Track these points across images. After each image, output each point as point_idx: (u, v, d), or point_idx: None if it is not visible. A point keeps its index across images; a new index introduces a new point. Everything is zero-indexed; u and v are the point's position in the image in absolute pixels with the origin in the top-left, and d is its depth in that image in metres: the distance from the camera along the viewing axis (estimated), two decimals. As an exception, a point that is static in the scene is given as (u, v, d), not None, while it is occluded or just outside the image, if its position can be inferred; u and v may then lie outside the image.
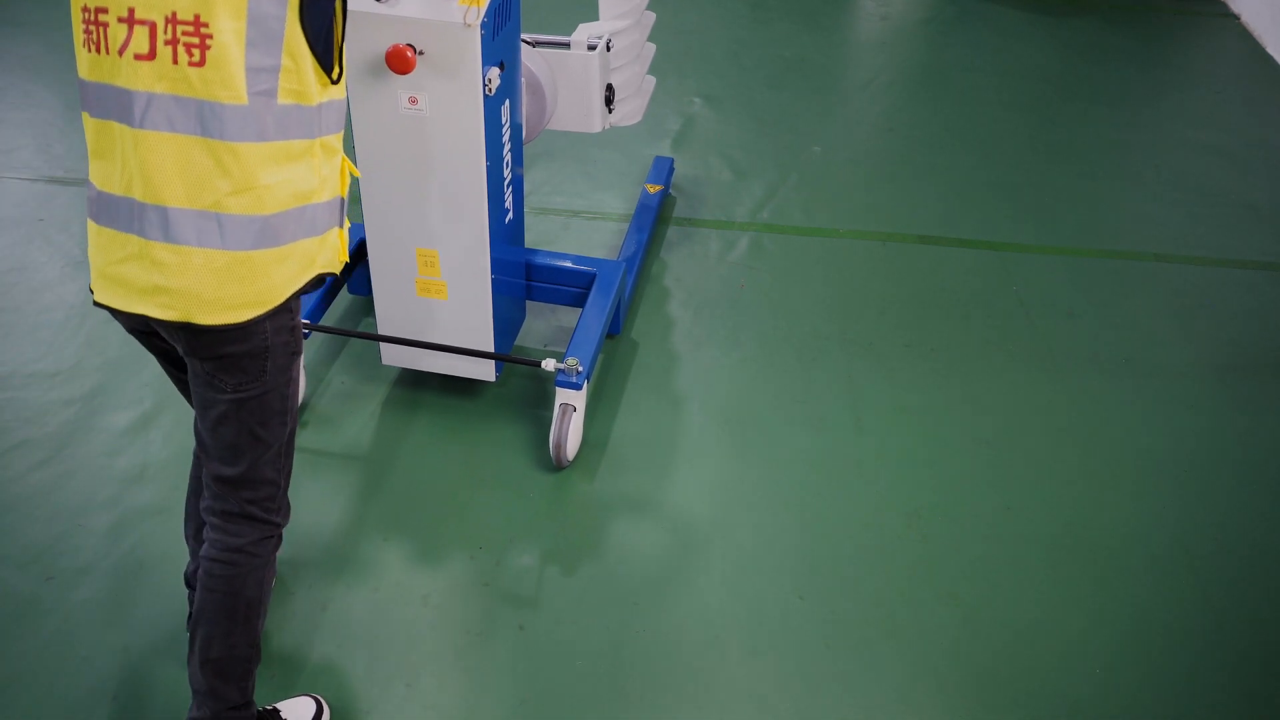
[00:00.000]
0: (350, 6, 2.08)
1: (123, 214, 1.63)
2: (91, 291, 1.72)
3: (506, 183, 2.48)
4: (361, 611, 2.26)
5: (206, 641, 1.84)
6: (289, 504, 1.90)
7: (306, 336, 2.68)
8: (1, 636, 2.18)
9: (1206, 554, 2.48)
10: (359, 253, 2.87)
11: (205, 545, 1.85)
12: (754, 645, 2.24)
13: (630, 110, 2.96)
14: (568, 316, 3.04)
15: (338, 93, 1.70)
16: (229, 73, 1.55)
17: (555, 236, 3.43)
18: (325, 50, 1.63)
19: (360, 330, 2.93)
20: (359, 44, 2.17)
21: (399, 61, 2.12)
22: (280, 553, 2.31)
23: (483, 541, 2.42)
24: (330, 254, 1.76)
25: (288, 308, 1.71)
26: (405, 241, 2.45)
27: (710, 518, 2.51)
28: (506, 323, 2.70)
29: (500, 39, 2.26)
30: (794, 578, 2.38)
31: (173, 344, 1.73)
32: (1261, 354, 3.10)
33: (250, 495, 1.81)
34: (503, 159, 2.42)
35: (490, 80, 2.20)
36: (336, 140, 1.73)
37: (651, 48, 3.10)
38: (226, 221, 1.61)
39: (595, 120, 2.76)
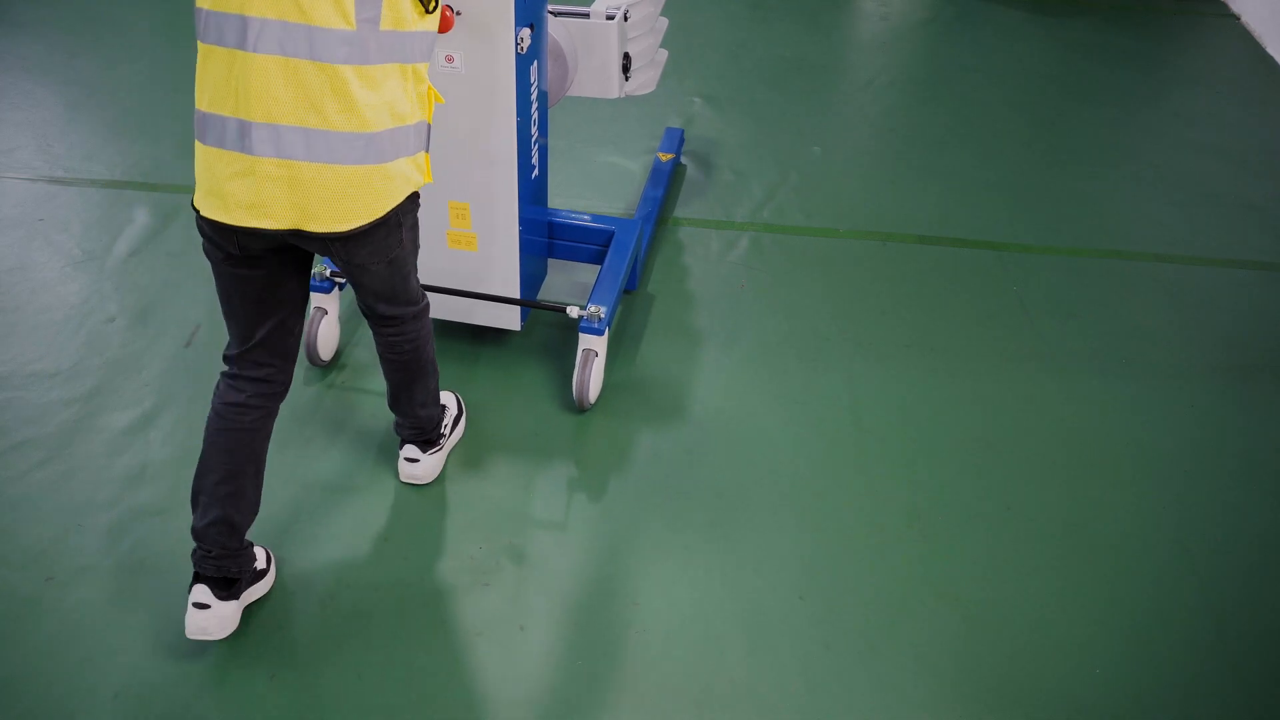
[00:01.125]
0: None
1: (231, 133, 1.79)
2: (195, 210, 1.88)
3: (534, 140, 2.60)
4: (361, 611, 2.26)
5: (410, 398, 2.39)
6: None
7: (335, 288, 2.84)
8: (1, 636, 2.18)
9: (1207, 554, 2.48)
10: None
11: (382, 346, 2.29)
12: (754, 645, 2.24)
13: (645, 80, 3.09)
14: (586, 274, 3.14)
15: (430, 24, 1.89)
16: (339, 2, 1.72)
17: (555, 236, 3.43)
18: None
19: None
20: None
21: (441, 21, 2.18)
22: (280, 552, 2.33)
23: (483, 541, 2.42)
24: (421, 175, 1.98)
25: (413, 199, 1.98)
26: (438, 194, 2.57)
27: (710, 517, 2.51)
28: (531, 277, 2.83)
29: (530, 1, 2.39)
30: (794, 578, 2.38)
31: (306, 248, 1.95)
32: (1261, 354, 3.10)
33: (407, 301, 2.21)
34: (531, 117, 2.55)
35: (522, 40, 2.34)
36: (424, 69, 1.92)
37: (664, 21, 3.25)
38: (334, 138, 1.79)
39: (614, 87, 2.90)
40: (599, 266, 2.96)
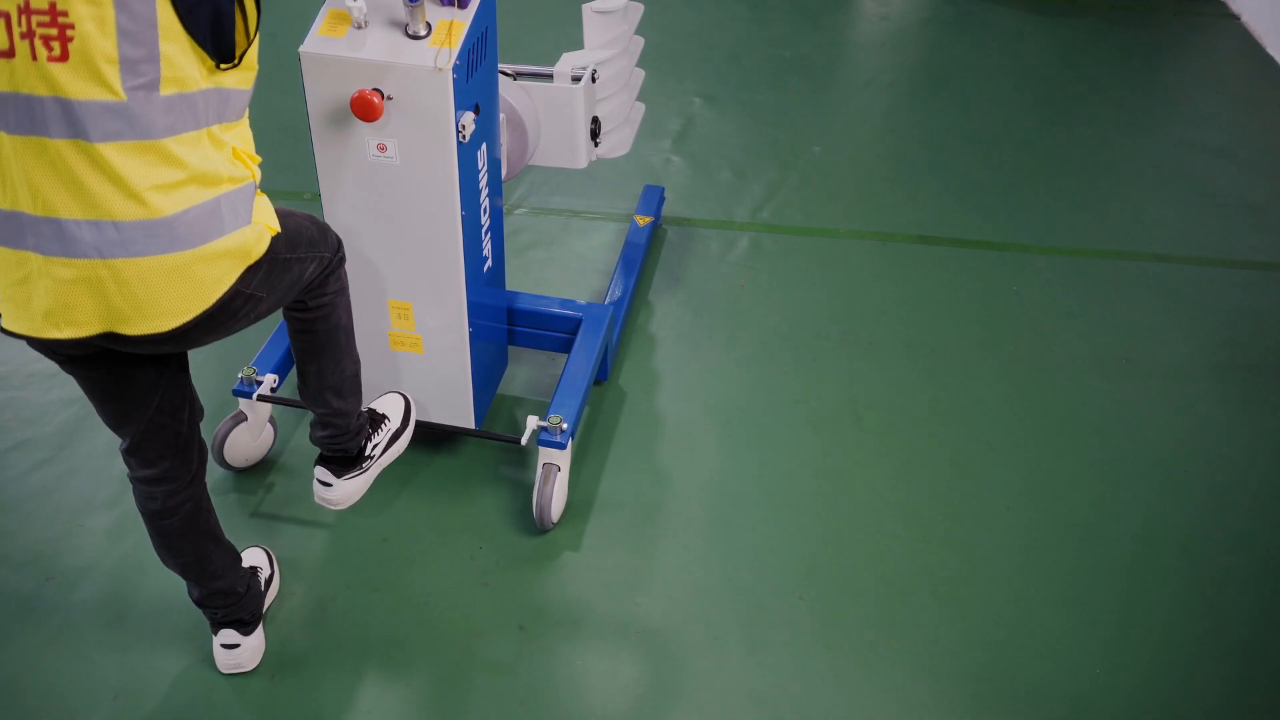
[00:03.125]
0: (313, 50, 1.98)
1: (15, 229, 1.49)
2: None
3: (485, 229, 2.34)
4: (361, 612, 2.26)
5: (319, 375, 2.00)
6: (326, 226, 1.91)
7: (259, 399, 2.47)
8: (1, 636, 2.18)
9: (1206, 553, 2.48)
10: None
11: (296, 318, 1.92)
12: (754, 645, 2.24)
13: (618, 141, 2.83)
14: (552, 358, 2.91)
15: (230, 82, 1.55)
16: (98, 67, 1.38)
17: (555, 237, 3.43)
18: (218, 45, 1.49)
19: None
20: (323, 88, 2.03)
21: (365, 108, 1.97)
22: (279, 553, 2.33)
23: (483, 542, 2.42)
24: (259, 238, 1.63)
25: (259, 263, 1.63)
26: (377, 293, 2.32)
27: (710, 518, 2.51)
28: (487, 372, 2.57)
29: (475, 81, 2.11)
30: (794, 578, 2.38)
31: (142, 352, 1.64)
32: (1261, 354, 3.10)
33: (314, 285, 1.87)
34: (479, 205, 2.28)
35: (464, 126, 2.05)
36: (233, 130, 1.60)
37: (640, 74, 2.97)
38: (126, 228, 1.47)
39: (580, 156, 2.61)
40: (564, 355, 2.70)
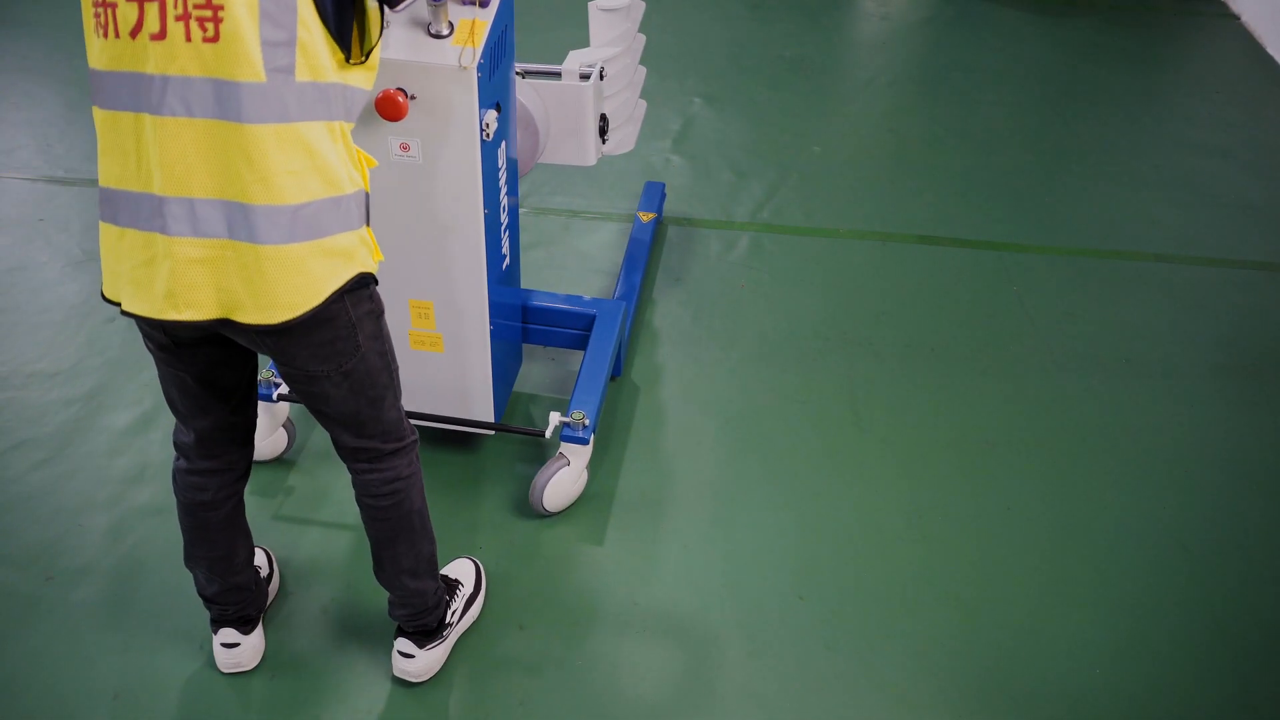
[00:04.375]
0: None
1: (146, 211, 1.56)
2: (107, 299, 1.65)
3: (504, 227, 2.35)
4: (362, 613, 2.26)
5: (396, 559, 1.97)
6: (407, 416, 1.93)
7: (280, 398, 2.51)
8: (1, 636, 2.18)
9: (1206, 553, 2.48)
10: None
11: (357, 488, 1.92)
12: (754, 645, 2.24)
13: (622, 138, 2.83)
14: (562, 354, 2.93)
15: (355, 78, 1.62)
16: (246, 48, 1.46)
17: (555, 236, 3.43)
18: (338, 26, 1.54)
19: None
20: None
21: (390, 108, 1.97)
22: (280, 554, 2.33)
23: (484, 541, 2.42)
24: (368, 251, 1.69)
25: (362, 282, 1.67)
26: (398, 292, 2.31)
27: (710, 518, 2.51)
28: (504, 370, 2.58)
29: (496, 78, 2.12)
30: (794, 578, 2.38)
31: (246, 344, 1.69)
32: (1260, 354, 3.10)
33: (384, 437, 1.86)
34: (500, 203, 2.28)
35: (488, 125, 2.06)
36: (348, 128, 1.66)
37: (643, 71, 2.97)
38: (254, 213, 1.53)
39: (590, 153, 2.62)
40: (579, 352, 2.71)
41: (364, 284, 1.68)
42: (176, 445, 1.92)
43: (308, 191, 1.56)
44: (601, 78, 2.58)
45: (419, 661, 2.09)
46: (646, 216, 3.34)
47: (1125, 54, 4.79)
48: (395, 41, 2.00)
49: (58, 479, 2.53)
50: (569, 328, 2.74)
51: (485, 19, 2.04)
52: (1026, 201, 3.73)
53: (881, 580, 2.38)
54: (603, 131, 2.67)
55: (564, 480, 2.44)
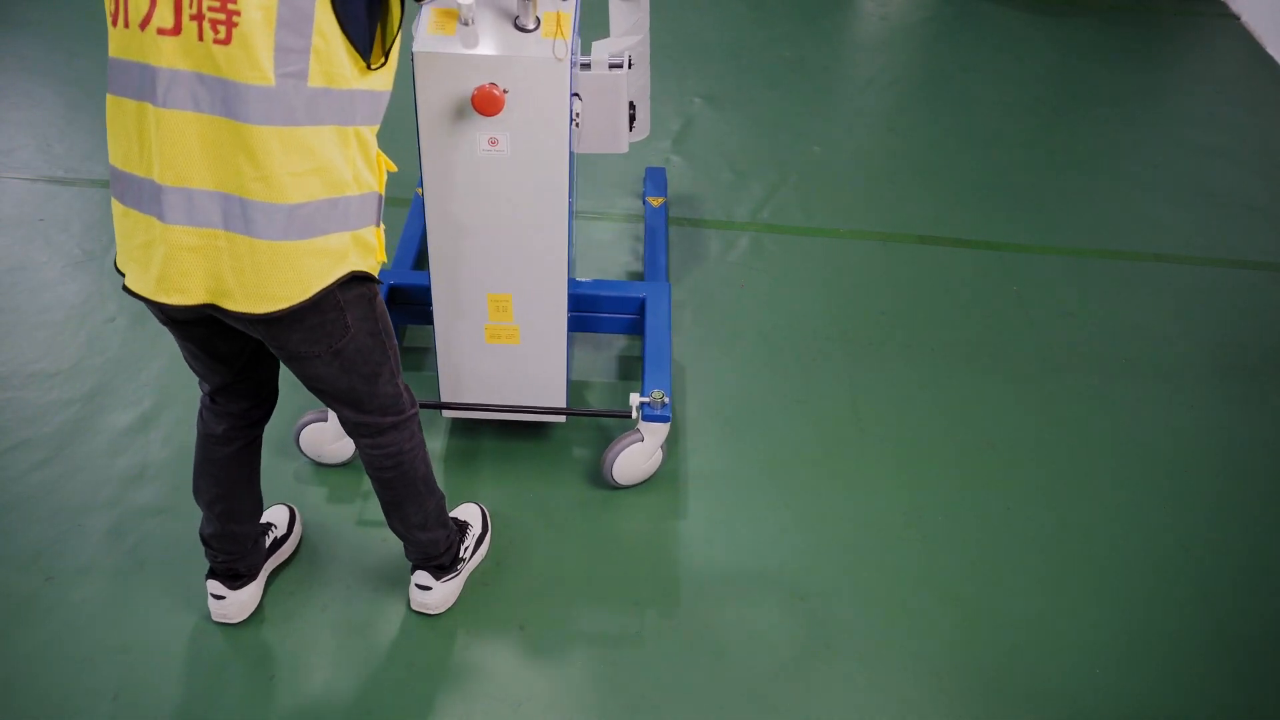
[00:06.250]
0: (427, 48, 2.00)
1: (146, 196, 1.60)
2: (120, 273, 1.72)
3: (574, 215, 2.39)
4: (362, 612, 2.26)
5: (405, 519, 2.09)
6: (408, 388, 1.98)
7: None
8: (1, 636, 2.18)
9: (1206, 554, 2.48)
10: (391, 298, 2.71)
11: (363, 459, 2.01)
12: (755, 645, 2.23)
13: (641, 124, 2.90)
14: (598, 339, 2.97)
15: (378, 83, 1.65)
16: (256, 53, 1.50)
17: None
18: (361, 34, 1.57)
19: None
20: (437, 86, 2.05)
21: (488, 103, 1.99)
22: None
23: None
24: (363, 253, 1.72)
25: (355, 279, 1.71)
26: (477, 287, 2.35)
27: (710, 518, 2.51)
28: (570, 358, 2.61)
29: (575, 68, 2.17)
30: (794, 577, 2.38)
31: (238, 327, 1.73)
32: (1261, 354, 3.10)
33: (382, 411, 1.92)
34: (575, 194, 2.35)
35: (578, 115, 2.13)
36: (371, 133, 1.69)
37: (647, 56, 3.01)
38: (251, 207, 1.57)
39: (623, 141, 2.64)
40: (624, 337, 2.75)
41: (358, 280, 1.72)
42: (200, 385, 2.00)
43: (307, 192, 1.59)
44: (630, 66, 2.61)
45: (436, 593, 2.21)
46: (656, 201, 3.39)
47: (1125, 54, 4.79)
48: (485, 37, 2.04)
49: (58, 479, 2.53)
50: (621, 313, 2.79)
51: (568, 10, 2.09)
52: (1026, 201, 3.73)
53: (881, 580, 2.38)
54: (631, 119, 2.71)
55: (635, 454, 2.50)
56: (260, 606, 2.25)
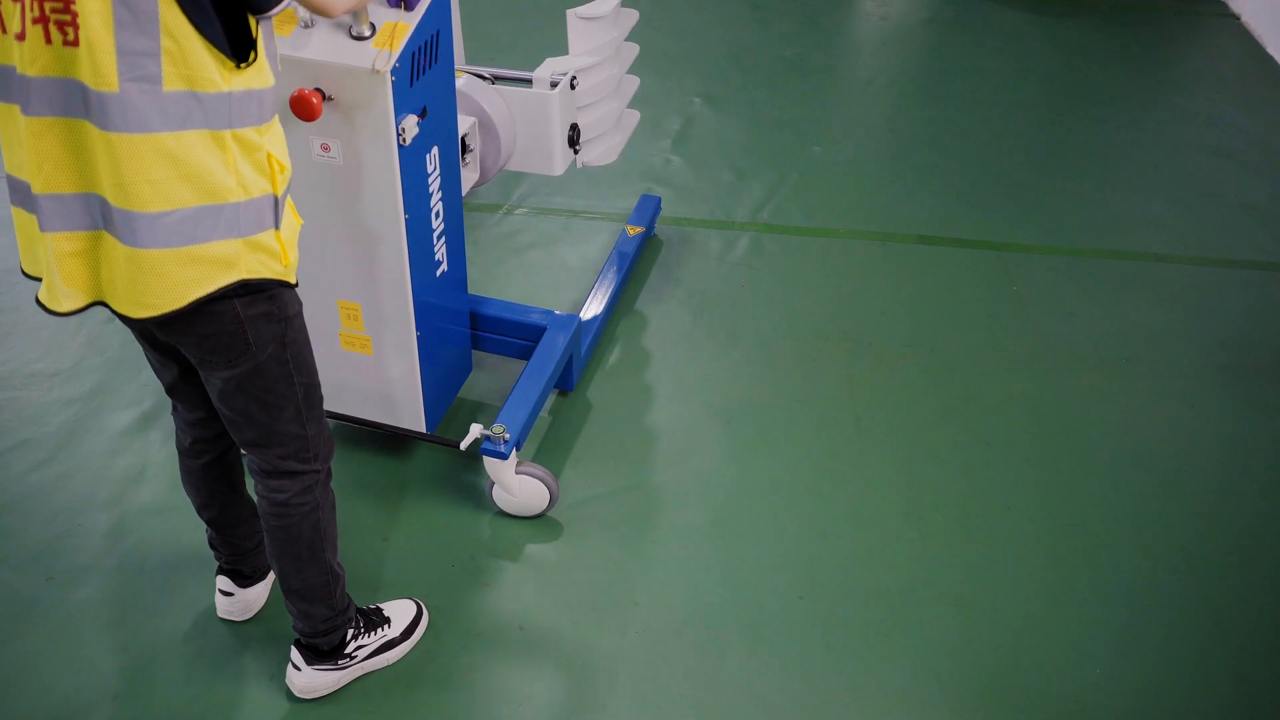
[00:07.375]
0: None
1: (29, 201, 1.55)
2: (25, 274, 1.67)
3: (438, 233, 2.29)
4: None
5: (282, 576, 1.96)
6: (330, 441, 1.89)
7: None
8: (1, 636, 2.18)
9: (1206, 554, 2.48)
10: None
11: (258, 496, 1.90)
12: (754, 645, 2.24)
13: (606, 149, 2.79)
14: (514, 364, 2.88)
15: (255, 81, 1.51)
16: (98, 56, 1.39)
17: (555, 237, 3.43)
18: (217, 35, 1.44)
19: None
20: None
21: (303, 108, 1.92)
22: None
23: (484, 541, 2.42)
24: (266, 258, 1.60)
25: (260, 288, 1.61)
26: (327, 291, 2.29)
27: (710, 518, 2.51)
28: (444, 376, 2.54)
29: (422, 84, 2.05)
30: (794, 578, 2.38)
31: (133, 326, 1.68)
32: (1261, 354, 3.10)
33: (280, 452, 1.81)
34: (429, 209, 2.22)
35: (404, 130, 2.00)
36: (257, 133, 1.54)
37: (634, 81, 2.93)
38: (114, 213, 1.49)
39: (556, 163, 2.58)
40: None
41: (259, 289, 1.62)
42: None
43: (170, 200, 1.49)
44: (573, 87, 2.54)
45: (303, 676, 2.05)
46: (633, 230, 3.29)
47: (1125, 54, 4.79)
48: (316, 41, 1.97)
49: (58, 479, 2.53)
50: (517, 338, 2.69)
51: (409, 22, 1.98)
52: (1026, 201, 3.73)
53: (881, 580, 2.38)
54: (573, 141, 2.62)
55: (499, 493, 2.45)
56: (262, 606, 2.25)
